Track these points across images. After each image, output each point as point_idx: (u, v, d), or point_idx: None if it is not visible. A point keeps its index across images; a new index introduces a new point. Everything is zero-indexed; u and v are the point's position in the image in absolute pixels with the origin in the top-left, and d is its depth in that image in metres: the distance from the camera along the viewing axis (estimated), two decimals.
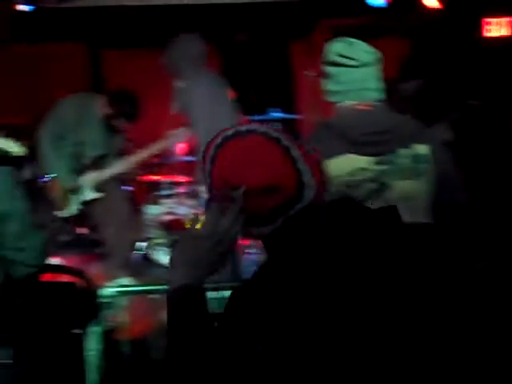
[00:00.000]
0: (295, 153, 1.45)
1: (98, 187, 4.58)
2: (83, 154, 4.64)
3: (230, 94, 5.44)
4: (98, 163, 4.56)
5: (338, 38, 2.30)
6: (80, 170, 4.67)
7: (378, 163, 2.18)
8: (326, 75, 2.30)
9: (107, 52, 6.87)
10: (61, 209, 4.65)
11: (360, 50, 2.24)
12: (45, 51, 6.19)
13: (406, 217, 2.19)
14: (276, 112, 5.50)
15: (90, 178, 4.61)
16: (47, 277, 3.10)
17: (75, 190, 4.67)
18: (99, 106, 4.61)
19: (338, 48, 2.25)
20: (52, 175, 4.60)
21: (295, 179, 1.43)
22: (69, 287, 3.18)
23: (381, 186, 2.18)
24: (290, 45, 6.96)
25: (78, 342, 3.28)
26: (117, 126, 4.63)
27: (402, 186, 2.19)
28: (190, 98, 4.21)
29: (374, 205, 2.13)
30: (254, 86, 6.69)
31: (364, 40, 2.37)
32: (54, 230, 4.60)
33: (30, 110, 4.99)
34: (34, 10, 5.27)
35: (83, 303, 3.18)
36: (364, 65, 2.22)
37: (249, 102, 6.08)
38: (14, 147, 2.64)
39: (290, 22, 6.40)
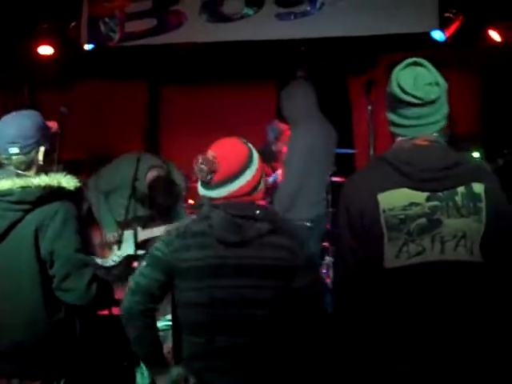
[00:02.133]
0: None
1: (140, 245, 4.58)
2: (132, 211, 4.70)
3: (287, 134, 5.52)
4: (146, 221, 4.59)
5: (405, 64, 2.25)
6: (126, 225, 4.71)
7: (432, 199, 2.16)
8: (389, 106, 2.28)
9: (167, 88, 6.99)
10: (100, 257, 4.71)
11: (425, 86, 2.19)
12: (105, 89, 6.35)
13: (461, 254, 2.16)
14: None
15: (134, 234, 4.65)
16: (103, 310, 3.12)
17: (118, 243, 4.72)
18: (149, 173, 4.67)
19: (402, 80, 2.21)
20: (102, 223, 4.70)
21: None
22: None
23: (433, 222, 2.15)
24: (348, 80, 6.94)
25: (129, 375, 3.29)
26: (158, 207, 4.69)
27: (454, 224, 2.15)
28: (300, 145, 4.35)
29: (424, 240, 2.13)
30: None
31: None
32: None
33: (87, 145, 5.10)
34: (95, 48, 5.42)
35: None
36: (428, 103, 2.19)
37: None
38: (70, 182, 2.63)
39: (349, 57, 6.40)
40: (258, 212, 2.34)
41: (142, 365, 3.20)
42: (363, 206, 2.18)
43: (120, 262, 4.74)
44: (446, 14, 5.21)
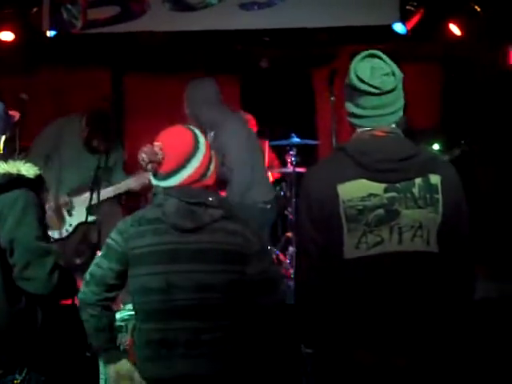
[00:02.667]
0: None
1: (92, 209, 4.56)
2: (68, 176, 4.71)
3: (252, 123, 5.52)
4: (93, 185, 4.54)
5: (362, 56, 2.27)
6: (73, 191, 4.73)
7: (389, 190, 2.19)
8: (347, 96, 2.30)
9: (130, 76, 6.94)
10: (53, 229, 4.70)
11: (382, 76, 2.22)
12: (68, 76, 6.28)
13: (418, 245, 2.21)
14: (297, 138, 5.50)
15: (83, 199, 4.64)
16: (66, 299, 3.10)
17: (68, 212, 4.72)
18: (80, 129, 4.70)
19: (359, 71, 2.23)
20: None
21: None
22: None
23: (391, 213, 2.18)
24: (311, 71, 6.98)
25: (91, 365, 3.28)
26: (97, 148, 4.66)
27: (412, 215, 2.18)
28: (224, 143, 4.30)
29: (382, 231, 2.17)
30: (276, 111, 6.71)
31: None
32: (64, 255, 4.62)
33: None
34: (57, 35, 5.35)
35: None
36: (385, 93, 2.22)
37: (270, 128, 6.11)
38: (30, 170, 2.60)
39: (312, 48, 6.43)
40: (211, 199, 2.39)
41: None
42: (323, 197, 2.20)
43: (73, 231, 4.75)
44: (408, 7, 5.29)
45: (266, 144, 5.82)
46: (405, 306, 2.17)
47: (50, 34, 5.41)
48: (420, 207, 2.19)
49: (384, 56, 2.28)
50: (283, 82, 6.86)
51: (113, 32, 5.40)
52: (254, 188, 4.42)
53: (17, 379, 2.57)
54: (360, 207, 2.18)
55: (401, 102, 2.28)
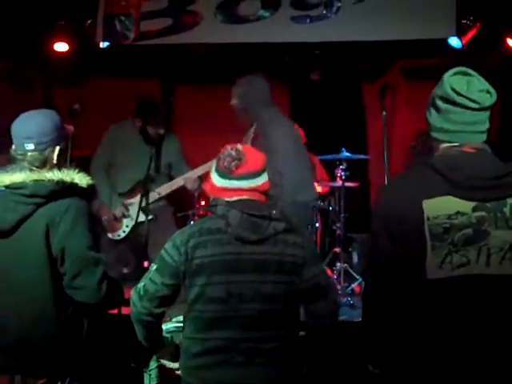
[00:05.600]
0: None
1: (147, 210, 4.60)
2: (130, 177, 4.81)
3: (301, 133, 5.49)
4: (146, 186, 4.63)
5: (453, 72, 2.19)
6: (128, 192, 4.83)
7: (479, 209, 2.10)
8: (437, 109, 2.20)
9: (180, 87, 6.98)
10: (112, 232, 4.75)
11: (478, 92, 2.14)
12: (119, 87, 6.35)
13: (506, 268, 2.09)
14: (347, 152, 5.43)
15: (138, 200, 4.67)
16: (112, 309, 3.10)
17: (125, 213, 4.82)
18: (135, 123, 4.86)
19: (455, 84, 2.15)
20: (102, 200, 4.79)
21: None
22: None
23: (480, 233, 2.09)
24: (362, 85, 6.90)
25: (136, 377, 3.27)
26: (152, 136, 4.81)
27: (502, 236, 2.09)
28: (274, 144, 4.29)
29: (469, 252, 2.07)
30: (326, 125, 6.65)
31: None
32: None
33: (99, 143, 5.12)
34: (109, 46, 5.43)
35: None
36: (482, 109, 2.14)
37: (319, 141, 6.06)
38: (83, 180, 2.62)
39: (364, 62, 6.37)
40: (274, 212, 2.46)
41: (150, 366, 3.18)
42: (405, 212, 2.11)
43: (130, 231, 4.83)
44: (464, 21, 5.18)
45: (316, 158, 5.76)
46: (488, 333, 2.06)
47: (103, 45, 5.49)
48: (511, 228, 2.09)
49: (476, 74, 2.20)
50: (334, 96, 6.79)
51: (164, 43, 5.44)
52: (305, 187, 4.47)
53: None
54: (447, 225, 2.09)
55: (488, 123, 2.20)
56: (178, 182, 4.83)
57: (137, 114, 4.88)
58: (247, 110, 4.41)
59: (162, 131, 4.86)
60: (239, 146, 2.51)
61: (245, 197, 2.47)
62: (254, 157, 2.51)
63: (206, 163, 4.61)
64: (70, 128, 2.86)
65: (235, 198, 2.47)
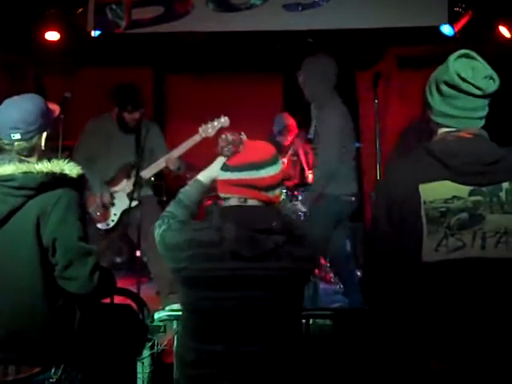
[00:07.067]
0: None
1: (132, 196, 4.65)
2: (111, 166, 4.78)
3: (292, 126, 5.54)
4: (129, 171, 4.66)
5: (457, 55, 2.19)
6: (112, 180, 4.81)
7: (475, 194, 2.12)
8: (441, 93, 2.20)
9: (172, 76, 6.95)
10: (100, 221, 4.76)
11: (484, 78, 2.14)
12: (111, 76, 6.33)
13: (501, 252, 2.11)
14: None
15: (123, 186, 4.73)
16: (104, 298, 3.10)
17: (112, 203, 4.79)
18: (112, 115, 4.82)
19: (461, 70, 2.15)
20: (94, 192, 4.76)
21: None
22: (124, 309, 3.17)
23: (475, 217, 2.11)
24: (355, 73, 6.89)
25: (130, 364, 3.27)
26: (129, 123, 4.78)
27: (497, 220, 2.11)
28: (323, 125, 4.54)
29: (464, 235, 2.10)
30: None
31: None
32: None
33: None
34: (101, 35, 5.40)
35: (137, 326, 3.17)
36: (486, 96, 2.15)
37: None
38: (73, 170, 2.61)
39: (357, 50, 6.35)
40: (274, 223, 2.25)
41: (143, 355, 3.19)
42: (404, 197, 2.14)
43: (119, 219, 4.81)
44: (456, 9, 5.17)
45: (309, 147, 5.76)
46: (482, 314, 2.09)
47: (94, 33, 5.45)
48: (506, 212, 2.11)
49: (480, 58, 2.20)
50: None
51: (156, 32, 5.42)
52: (340, 180, 4.50)
53: (53, 376, 2.58)
54: (443, 209, 2.12)
55: (487, 109, 2.21)
56: (159, 164, 4.78)
57: (114, 99, 4.82)
58: (307, 88, 4.60)
59: (137, 115, 4.78)
60: (240, 134, 2.38)
61: (245, 198, 2.31)
62: (254, 147, 2.36)
63: (186, 141, 4.63)
64: (56, 109, 2.81)
65: (235, 201, 2.33)
